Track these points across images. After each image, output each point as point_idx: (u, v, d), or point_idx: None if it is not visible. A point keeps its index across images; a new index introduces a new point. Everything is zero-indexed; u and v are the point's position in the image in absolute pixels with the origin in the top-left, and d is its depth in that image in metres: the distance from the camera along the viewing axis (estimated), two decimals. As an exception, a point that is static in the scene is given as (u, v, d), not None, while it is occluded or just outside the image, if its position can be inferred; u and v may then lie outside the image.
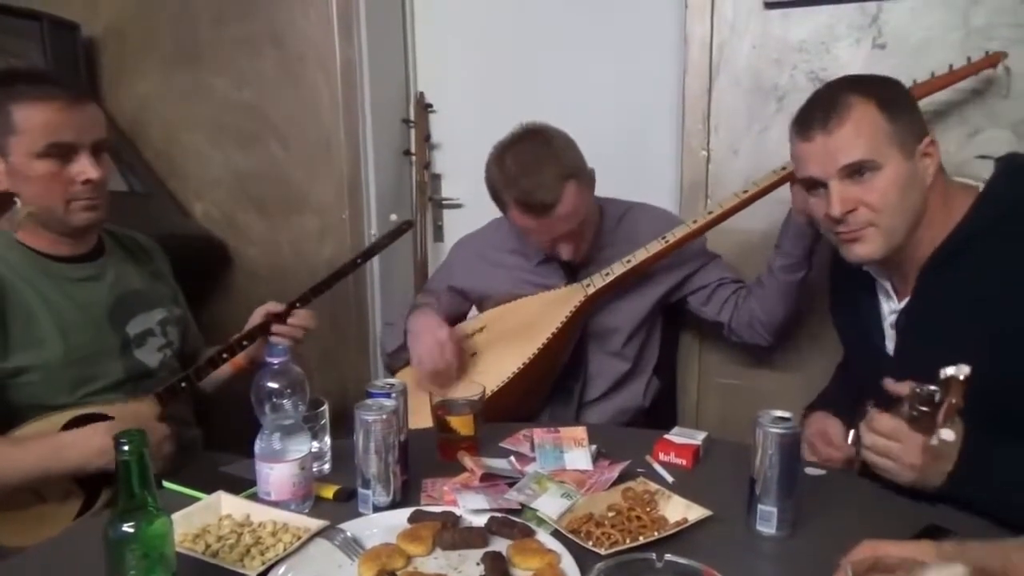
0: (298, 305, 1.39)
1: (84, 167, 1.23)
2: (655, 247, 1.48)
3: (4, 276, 1.22)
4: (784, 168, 1.43)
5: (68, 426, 1.21)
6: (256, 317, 1.42)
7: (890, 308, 1.19)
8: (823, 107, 1.10)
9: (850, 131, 1.07)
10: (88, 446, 1.15)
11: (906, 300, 1.15)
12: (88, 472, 1.16)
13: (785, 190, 1.43)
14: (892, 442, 0.94)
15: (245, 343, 1.36)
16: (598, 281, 1.50)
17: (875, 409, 0.96)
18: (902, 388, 0.93)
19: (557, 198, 1.39)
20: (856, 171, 1.08)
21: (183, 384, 1.32)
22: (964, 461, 0.93)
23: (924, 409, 0.87)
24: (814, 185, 1.13)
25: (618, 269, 1.49)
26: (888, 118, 1.07)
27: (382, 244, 1.47)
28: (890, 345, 1.18)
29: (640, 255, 1.49)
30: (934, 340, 0.86)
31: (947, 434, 0.86)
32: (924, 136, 1.10)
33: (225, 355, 1.35)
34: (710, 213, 1.49)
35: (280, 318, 1.38)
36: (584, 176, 1.46)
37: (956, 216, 1.10)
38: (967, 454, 0.93)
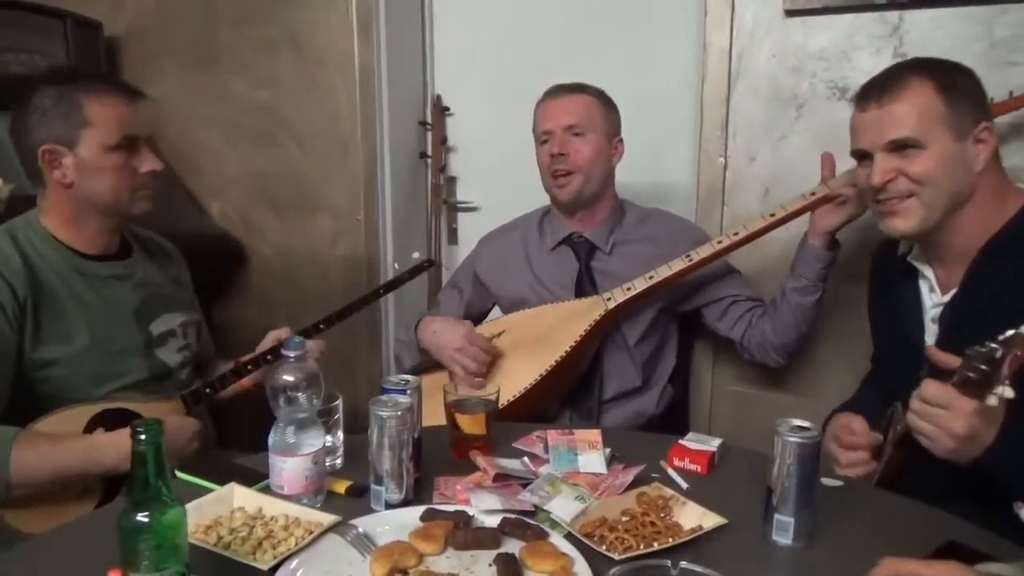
0: (322, 327, 1.41)
1: (149, 159, 1.30)
2: (678, 265, 1.49)
3: (39, 270, 1.24)
4: (813, 193, 1.42)
5: (95, 419, 1.23)
6: (268, 341, 1.43)
7: (933, 301, 1.19)
8: (883, 82, 1.13)
9: (902, 108, 1.10)
10: (123, 449, 1.15)
11: (951, 293, 1.15)
12: (119, 473, 1.16)
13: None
14: (940, 409, 0.92)
15: (269, 357, 1.39)
16: (619, 296, 1.51)
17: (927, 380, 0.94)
18: (951, 359, 0.92)
19: (577, 88, 1.59)
20: (901, 146, 1.11)
21: (208, 390, 1.36)
22: (1007, 434, 0.92)
23: (983, 368, 0.85)
24: (863, 157, 1.17)
25: (640, 284, 1.50)
26: (945, 101, 1.09)
27: (403, 279, 1.54)
28: (929, 339, 1.18)
29: (663, 272, 1.49)
30: (978, 335, 0.85)
31: (1007, 391, 0.84)
32: (982, 122, 1.11)
33: (250, 367, 1.39)
34: (735, 234, 1.48)
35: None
36: (606, 118, 1.60)
37: (1011, 211, 1.11)
38: (1010, 428, 0.91)
